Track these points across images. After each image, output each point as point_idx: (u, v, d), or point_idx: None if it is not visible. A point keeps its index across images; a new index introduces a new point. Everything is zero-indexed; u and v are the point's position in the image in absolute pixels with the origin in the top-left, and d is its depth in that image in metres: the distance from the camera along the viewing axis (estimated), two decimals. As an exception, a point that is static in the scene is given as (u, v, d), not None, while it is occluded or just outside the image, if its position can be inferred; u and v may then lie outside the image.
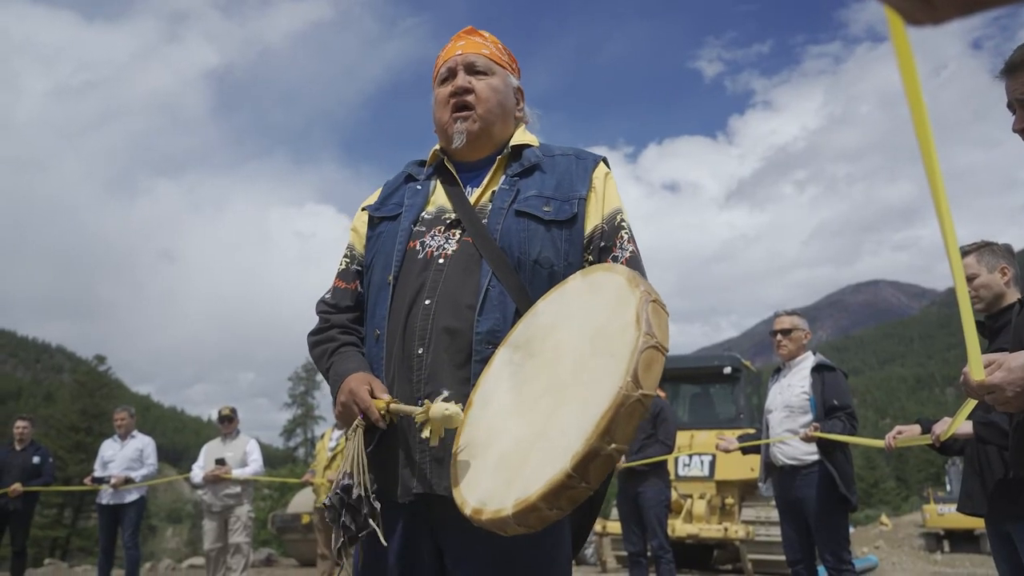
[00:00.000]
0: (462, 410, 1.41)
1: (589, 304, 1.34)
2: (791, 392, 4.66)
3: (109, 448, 7.77)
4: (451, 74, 1.73)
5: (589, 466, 1.12)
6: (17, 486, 7.47)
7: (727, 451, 4.99)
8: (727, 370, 10.67)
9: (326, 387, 1.54)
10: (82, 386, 38.20)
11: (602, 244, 1.58)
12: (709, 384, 11.48)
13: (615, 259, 1.56)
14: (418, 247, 1.61)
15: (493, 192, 1.63)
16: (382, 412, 1.47)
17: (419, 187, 1.73)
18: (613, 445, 1.11)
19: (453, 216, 1.62)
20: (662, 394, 6.30)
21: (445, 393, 1.42)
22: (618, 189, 1.68)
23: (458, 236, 1.59)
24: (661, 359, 1.17)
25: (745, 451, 5.00)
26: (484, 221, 1.59)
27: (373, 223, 1.74)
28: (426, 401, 1.42)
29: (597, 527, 11.03)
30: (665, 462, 6.22)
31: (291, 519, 12.23)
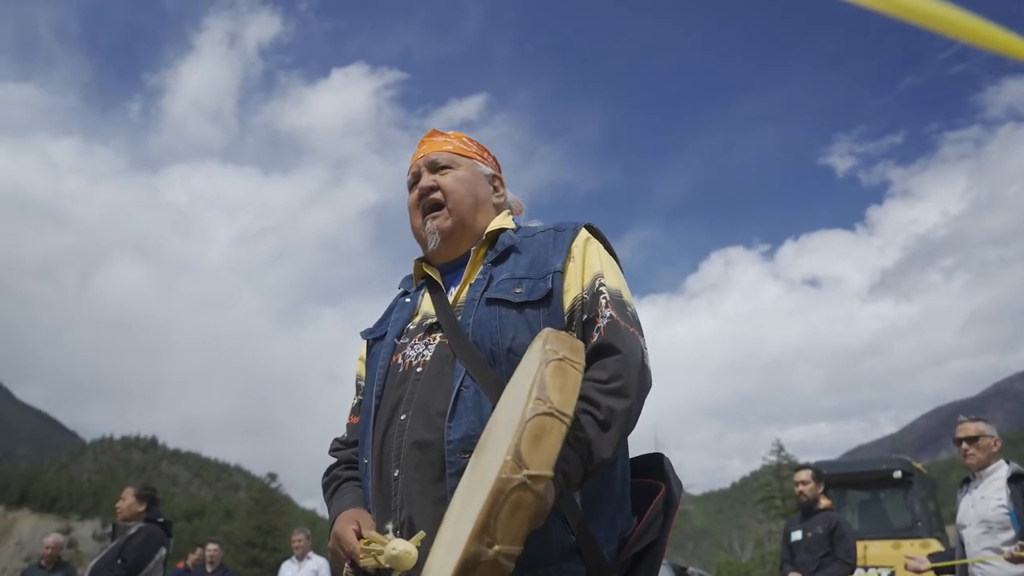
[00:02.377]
0: (419, 542, 1.19)
1: (516, 379, 1.22)
2: (986, 506, 4.26)
3: (288, 570, 8.27)
4: (416, 178, 1.64)
5: (472, 574, 0.89)
6: (209, 606, 8.13)
7: (918, 572, 4.58)
8: (897, 474, 9.94)
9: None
10: (256, 503, 40.67)
11: (584, 317, 1.39)
12: (879, 489, 10.70)
13: (597, 331, 1.37)
14: (399, 360, 1.49)
15: (469, 286, 1.50)
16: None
17: (407, 299, 1.63)
18: (496, 548, 0.87)
19: (433, 320, 1.49)
20: (826, 501, 6.00)
21: (389, 527, 1.29)
22: (604, 252, 1.51)
23: (436, 340, 1.46)
24: (558, 428, 0.95)
25: (939, 572, 4.57)
26: (459, 318, 1.45)
27: (369, 347, 1.63)
28: (384, 539, 1.25)
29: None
30: (847, 583, 5.79)
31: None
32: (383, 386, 1.49)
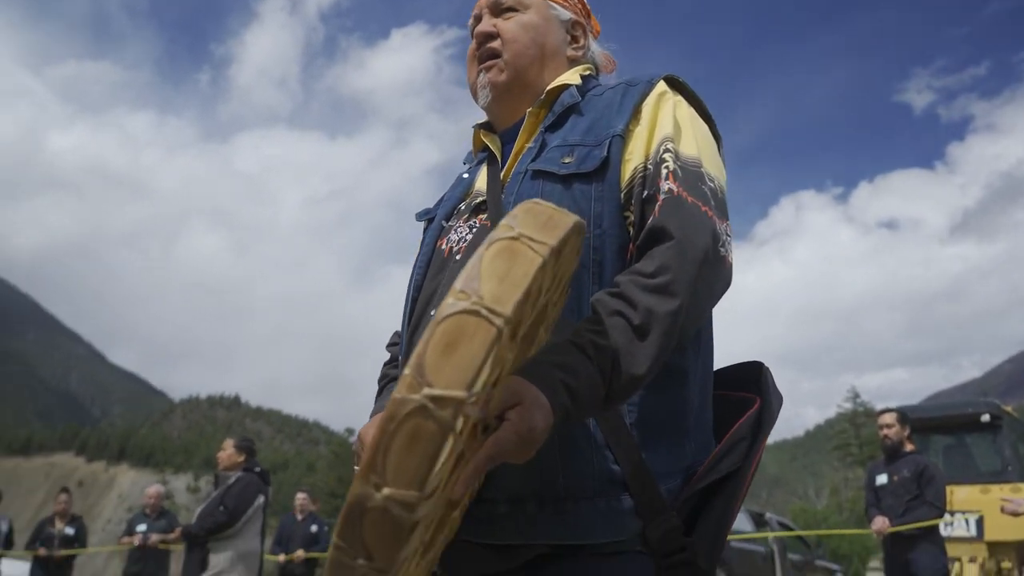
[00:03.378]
0: None
1: None
2: None
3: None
4: (476, 22, 1.37)
5: (355, 529, 0.67)
6: (300, 552, 8.54)
7: (1016, 514, 4.55)
8: (985, 418, 9.63)
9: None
10: (337, 456, 42.39)
11: (644, 194, 1.08)
12: (965, 434, 10.40)
13: (653, 212, 1.07)
14: (443, 245, 1.26)
15: (521, 156, 1.24)
16: None
17: (465, 175, 1.36)
18: (385, 491, 0.65)
19: (482, 198, 1.25)
20: (911, 446, 5.86)
21: None
22: (684, 110, 1.17)
23: (480, 222, 1.22)
24: (484, 332, 0.68)
25: None
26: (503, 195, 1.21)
27: (424, 231, 1.38)
28: None
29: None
30: (937, 527, 5.61)
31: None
32: (423, 275, 1.25)
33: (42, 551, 8.19)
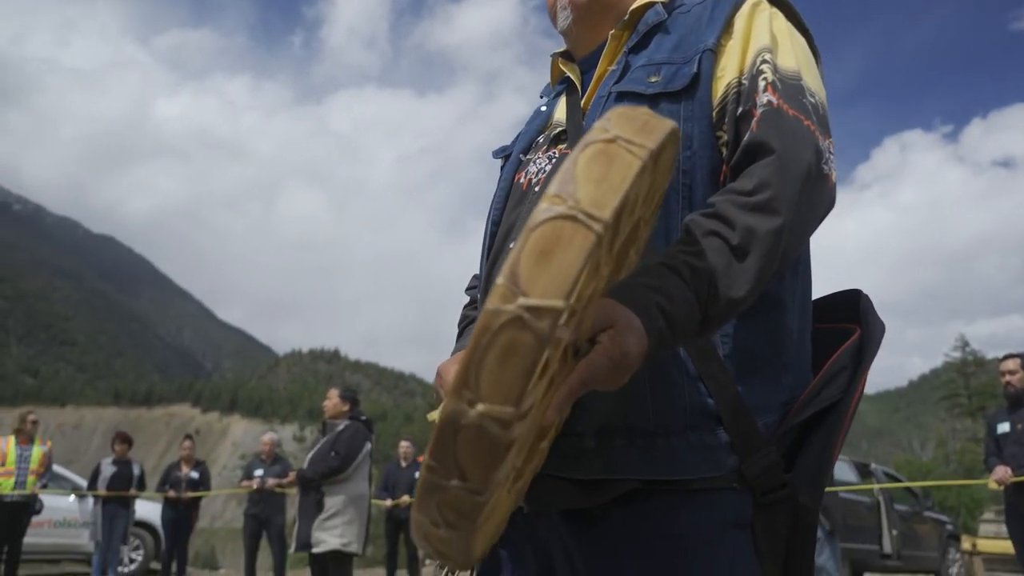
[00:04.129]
0: None
1: None
2: None
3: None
4: None
5: (448, 448, 0.64)
6: (406, 498, 8.91)
7: None
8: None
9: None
10: (433, 407, 43.65)
11: (739, 111, 1.00)
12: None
13: (751, 126, 0.99)
14: (521, 178, 1.19)
15: (603, 80, 1.15)
16: None
17: (543, 108, 1.29)
18: (479, 407, 0.62)
19: (562, 128, 1.17)
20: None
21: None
22: (781, 22, 1.07)
23: (560, 152, 1.15)
24: (582, 237, 0.63)
25: None
26: (584, 122, 1.12)
27: (500, 170, 1.31)
28: None
29: (965, 544, 9.91)
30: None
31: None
32: (501, 209, 1.19)
33: (171, 493, 8.85)
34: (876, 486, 9.18)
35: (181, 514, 8.84)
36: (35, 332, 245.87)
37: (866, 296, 1.12)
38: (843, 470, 8.66)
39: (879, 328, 1.08)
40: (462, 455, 0.62)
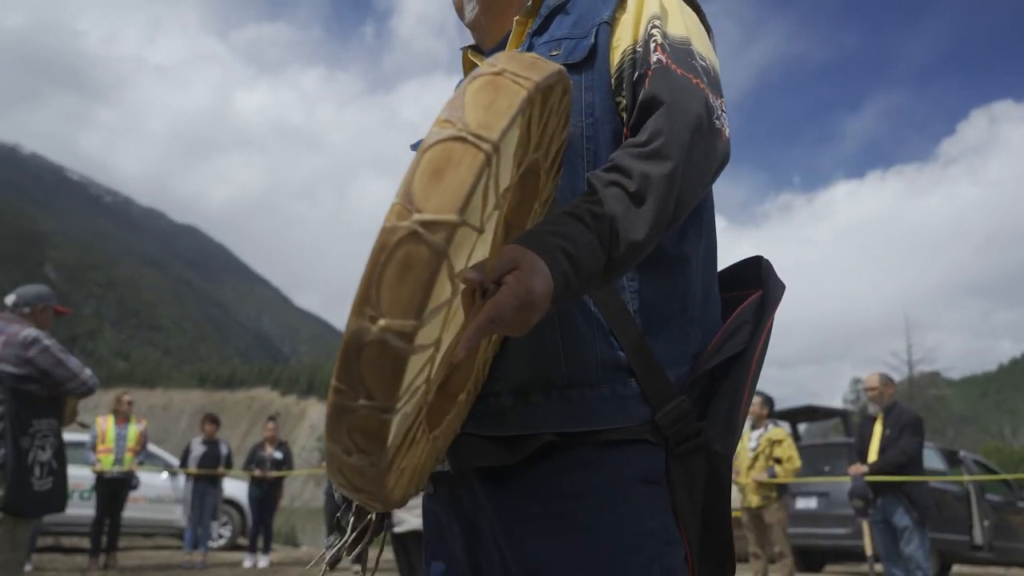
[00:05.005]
0: None
1: None
2: None
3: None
4: None
5: (353, 367, 0.64)
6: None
7: None
8: None
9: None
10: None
11: (635, 75, 1.04)
12: None
13: (644, 87, 1.03)
14: None
15: None
16: None
17: None
18: (381, 322, 0.62)
19: None
20: None
21: None
22: None
23: None
24: (471, 157, 0.65)
25: None
26: None
27: None
28: None
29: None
30: None
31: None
32: None
33: (256, 472, 9.21)
34: (967, 478, 8.81)
35: (266, 492, 9.19)
36: (126, 318, 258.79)
37: (767, 260, 1.18)
38: (930, 458, 8.35)
39: (779, 287, 1.14)
40: (366, 373, 0.63)
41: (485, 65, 0.74)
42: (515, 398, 1.00)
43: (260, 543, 9.10)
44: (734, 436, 1.04)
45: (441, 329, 0.76)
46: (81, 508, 8.36)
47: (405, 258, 0.62)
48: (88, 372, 3.58)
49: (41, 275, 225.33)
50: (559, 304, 0.83)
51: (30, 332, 3.46)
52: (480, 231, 0.73)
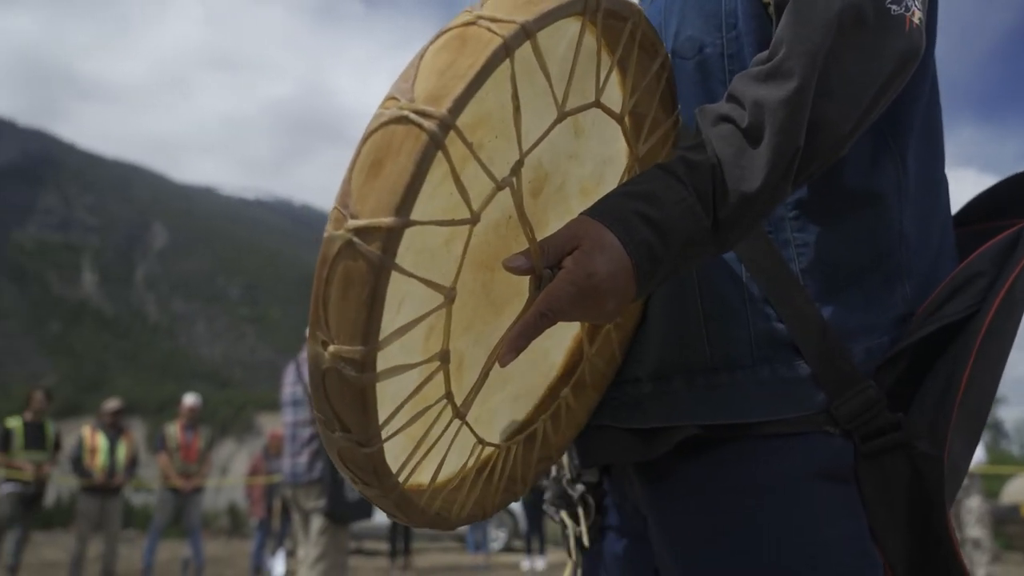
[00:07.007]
0: None
1: None
2: None
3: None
4: None
5: (321, 396, 0.57)
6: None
7: None
8: None
9: None
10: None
11: None
12: None
13: None
14: None
15: None
16: None
17: None
18: (331, 347, 0.53)
19: None
20: None
21: None
22: None
23: None
24: (413, 140, 0.51)
25: None
26: None
27: None
28: None
29: None
30: None
31: (1007, 510, 11.00)
32: None
33: (525, 477, 9.60)
34: None
35: (537, 495, 9.54)
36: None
37: None
38: None
39: None
40: (335, 403, 0.56)
41: (460, 15, 0.59)
42: (655, 384, 0.83)
43: (535, 545, 9.45)
44: (949, 432, 0.74)
45: (444, 342, 0.64)
46: (379, 514, 9.26)
47: (344, 274, 0.52)
48: None
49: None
50: (653, 285, 0.67)
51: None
52: (475, 222, 0.61)
